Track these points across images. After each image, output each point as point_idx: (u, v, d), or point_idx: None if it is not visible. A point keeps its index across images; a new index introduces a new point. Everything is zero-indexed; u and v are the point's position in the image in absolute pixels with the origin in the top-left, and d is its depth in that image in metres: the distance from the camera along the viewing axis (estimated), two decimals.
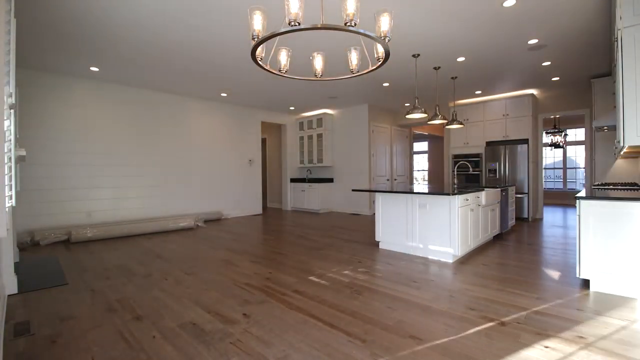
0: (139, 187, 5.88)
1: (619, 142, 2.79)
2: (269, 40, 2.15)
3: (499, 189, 4.69)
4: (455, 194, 3.44)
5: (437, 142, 11.55)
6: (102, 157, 5.47)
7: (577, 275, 2.76)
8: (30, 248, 4.40)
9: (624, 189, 3.37)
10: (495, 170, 6.58)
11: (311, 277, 3.07)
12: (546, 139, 8.78)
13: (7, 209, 1.35)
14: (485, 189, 4.34)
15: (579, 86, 5.99)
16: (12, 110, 1.50)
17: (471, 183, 6.71)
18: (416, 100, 4.59)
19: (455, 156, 7.17)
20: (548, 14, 3.31)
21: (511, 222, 5.28)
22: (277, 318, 2.22)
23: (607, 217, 2.59)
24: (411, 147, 9.10)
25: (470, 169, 5.18)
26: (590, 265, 2.67)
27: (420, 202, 3.75)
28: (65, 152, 5.09)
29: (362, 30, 1.80)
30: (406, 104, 7.60)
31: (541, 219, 6.52)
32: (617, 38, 2.79)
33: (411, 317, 2.20)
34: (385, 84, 5.88)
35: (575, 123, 8.99)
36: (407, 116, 4.62)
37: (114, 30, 3.56)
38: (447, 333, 1.99)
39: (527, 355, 1.73)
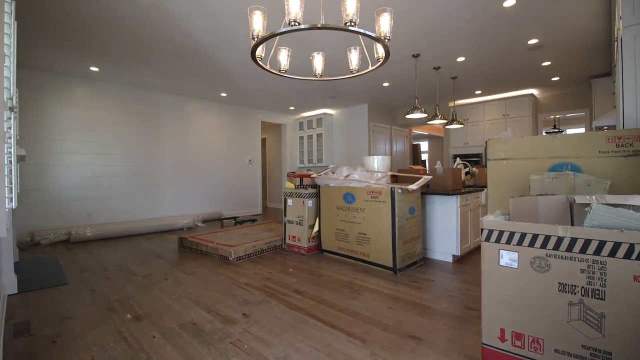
0: (139, 186, 5.89)
1: None
2: (269, 40, 2.15)
3: None
4: (455, 194, 3.44)
5: (437, 142, 11.55)
6: (102, 157, 5.47)
7: None
8: (30, 248, 4.40)
9: None
10: None
11: (311, 277, 3.07)
12: None
13: (7, 210, 1.35)
14: (485, 189, 4.33)
15: (579, 86, 5.99)
16: (12, 113, 1.50)
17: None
18: (416, 100, 4.59)
19: (455, 156, 7.18)
20: (548, 14, 3.31)
21: None
22: (277, 318, 2.22)
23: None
24: (411, 147, 9.10)
25: (470, 169, 5.18)
26: None
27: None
28: (65, 152, 5.10)
29: (362, 30, 1.80)
30: (406, 104, 7.60)
31: None
32: (617, 38, 2.79)
33: (411, 317, 2.20)
34: (385, 84, 5.88)
35: (575, 123, 9.00)
36: (407, 116, 4.62)
37: (113, 31, 3.56)
38: (447, 333, 1.99)
39: None
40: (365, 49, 2.46)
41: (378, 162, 3.85)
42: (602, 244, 1.21)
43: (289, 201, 4.07)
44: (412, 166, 4.20)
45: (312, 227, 3.91)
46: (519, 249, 1.38)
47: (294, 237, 4.02)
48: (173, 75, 5.21)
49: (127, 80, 5.41)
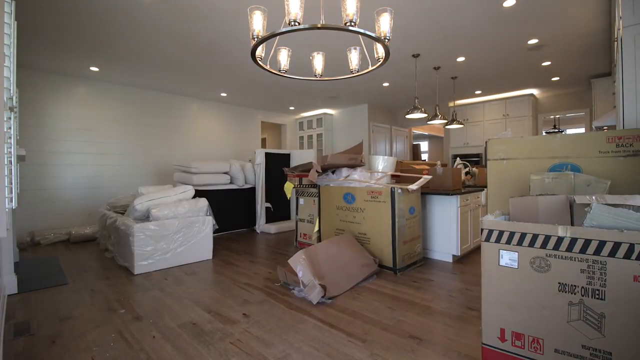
0: (139, 186, 5.88)
1: None
2: (269, 40, 2.15)
3: None
4: (456, 194, 3.44)
5: (437, 142, 11.55)
6: (102, 157, 5.47)
7: None
8: (30, 248, 4.40)
9: None
10: None
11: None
12: None
13: (7, 210, 1.35)
14: (485, 189, 4.34)
15: (579, 86, 5.99)
16: (12, 113, 1.50)
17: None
18: (416, 100, 4.59)
19: (455, 156, 7.18)
20: (548, 14, 3.31)
21: None
22: (277, 318, 2.22)
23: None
24: (411, 147, 9.11)
25: (470, 169, 5.17)
26: None
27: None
28: (65, 152, 5.10)
29: (362, 30, 1.80)
30: (406, 104, 7.60)
31: None
32: (617, 38, 2.79)
33: (411, 317, 2.20)
34: (385, 84, 5.88)
35: (575, 123, 9.01)
36: (407, 116, 4.62)
37: (114, 31, 3.57)
38: (447, 333, 1.99)
39: None
40: (365, 49, 2.46)
41: (383, 163, 3.86)
42: (602, 244, 1.21)
43: (301, 200, 4.15)
44: (413, 165, 4.20)
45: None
46: (519, 249, 1.38)
47: (304, 235, 4.11)
48: (173, 75, 5.21)
49: (127, 80, 5.41)
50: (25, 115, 4.70)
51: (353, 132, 7.79)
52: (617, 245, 1.18)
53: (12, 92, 1.51)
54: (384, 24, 1.98)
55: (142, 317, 2.25)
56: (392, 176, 3.84)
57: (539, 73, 5.21)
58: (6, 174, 1.34)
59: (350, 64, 2.42)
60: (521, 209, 1.51)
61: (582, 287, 1.25)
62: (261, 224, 5.35)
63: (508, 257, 1.41)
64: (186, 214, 3.58)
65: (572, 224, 1.38)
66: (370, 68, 2.39)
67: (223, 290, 2.77)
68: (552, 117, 6.90)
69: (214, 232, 4.85)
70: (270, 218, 5.59)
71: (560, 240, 1.29)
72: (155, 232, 3.30)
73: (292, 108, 7.94)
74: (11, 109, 1.48)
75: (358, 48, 2.42)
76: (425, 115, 4.57)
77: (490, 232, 1.45)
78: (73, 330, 2.08)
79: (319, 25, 1.73)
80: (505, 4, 3.09)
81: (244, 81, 5.57)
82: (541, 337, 1.34)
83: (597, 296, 1.22)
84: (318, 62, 2.54)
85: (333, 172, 3.83)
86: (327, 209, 3.79)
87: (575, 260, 1.26)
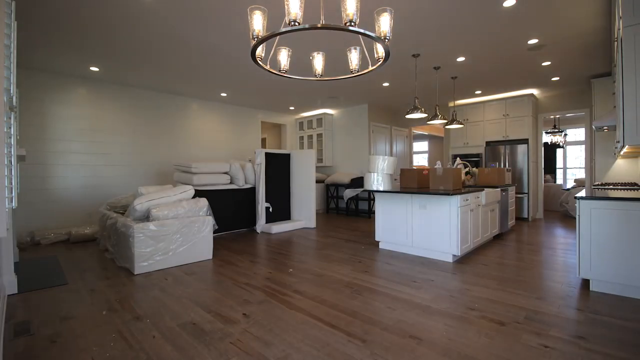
0: (139, 187, 5.88)
1: (618, 142, 2.79)
2: (268, 40, 2.15)
3: (499, 189, 4.69)
4: (456, 194, 3.44)
5: (437, 142, 11.56)
6: (102, 157, 5.47)
7: (577, 275, 2.76)
8: (30, 248, 4.40)
9: (624, 189, 3.37)
10: None
11: (311, 277, 3.07)
12: (546, 138, 8.78)
13: (7, 210, 1.35)
14: (485, 189, 4.34)
15: (579, 86, 5.99)
16: (12, 113, 1.50)
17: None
18: (416, 100, 4.59)
19: (455, 156, 7.17)
20: (548, 14, 3.31)
21: (511, 222, 5.28)
22: (277, 318, 2.22)
23: (607, 217, 2.59)
24: (411, 147, 9.10)
25: (470, 169, 5.17)
26: (590, 265, 2.67)
27: (420, 202, 3.75)
28: (65, 152, 5.09)
29: (362, 30, 1.80)
30: (406, 104, 7.60)
31: (541, 219, 6.52)
32: (617, 38, 2.79)
33: (411, 317, 2.20)
34: (385, 84, 5.88)
35: (575, 123, 9.01)
36: (407, 116, 4.62)
37: (114, 31, 3.56)
38: (447, 333, 1.99)
39: (526, 355, 1.73)
40: (365, 49, 2.46)
41: (382, 162, 3.87)
42: None
43: None
44: (416, 166, 4.21)
45: None
46: None
47: None
48: (173, 75, 5.20)
49: (127, 80, 5.41)
50: (26, 115, 4.70)
51: (353, 132, 7.78)
52: None
53: (12, 92, 1.51)
54: (384, 24, 1.98)
55: (142, 317, 2.25)
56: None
57: (539, 73, 5.21)
58: (6, 174, 1.34)
59: (350, 64, 2.42)
60: None
61: None
62: (261, 224, 5.35)
63: None
64: (186, 214, 3.58)
65: None
66: (370, 68, 2.39)
67: (223, 290, 2.77)
68: (552, 117, 6.90)
69: (214, 232, 4.85)
70: (271, 218, 5.59)
71: None
72: (155, 233, 3.30)
73: (292, 108, 7.93)
74: (11, 108, 1.48)
75: (358, 48, 2.42)
76: (425, 115, 4.57)
77: None
78: (73, 330, 2.08)
79: (319, 25, 1.73)
80: (505, 4, 3.09)
81: (244, 81, 5.57)
82: None
83: None
84: (318, 62, 2.54)
85: None
86: None
87: None
